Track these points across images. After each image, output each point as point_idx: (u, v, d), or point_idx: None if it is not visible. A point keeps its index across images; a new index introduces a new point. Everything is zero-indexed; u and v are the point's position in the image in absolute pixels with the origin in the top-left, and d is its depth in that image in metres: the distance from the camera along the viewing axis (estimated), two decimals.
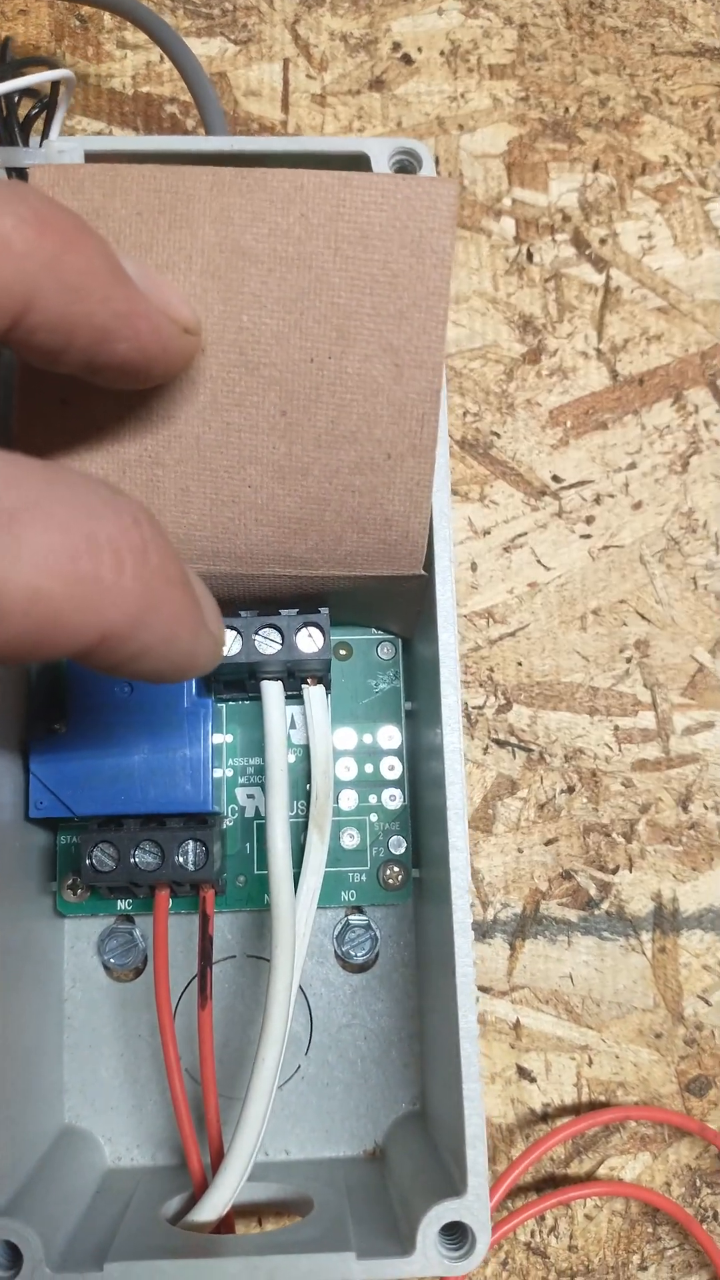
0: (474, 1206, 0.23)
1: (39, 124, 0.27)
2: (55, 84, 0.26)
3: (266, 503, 0.25)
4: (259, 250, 0.23)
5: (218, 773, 0.30)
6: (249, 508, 0.25)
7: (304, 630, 0.28)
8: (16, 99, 0.25)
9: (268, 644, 0.27)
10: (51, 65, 0.25)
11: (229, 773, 0.30)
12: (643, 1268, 0.30)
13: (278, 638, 0.28)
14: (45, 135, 0.26)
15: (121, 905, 0.29)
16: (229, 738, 0.30)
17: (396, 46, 0.36)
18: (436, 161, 0.35)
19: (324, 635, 0.28)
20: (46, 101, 0.26)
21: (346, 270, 0.23)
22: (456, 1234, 0.24)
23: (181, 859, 0.27)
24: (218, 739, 0.30)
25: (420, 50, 0.36)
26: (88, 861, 0.26)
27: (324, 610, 0.28)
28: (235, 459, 0.25)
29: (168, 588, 0.17)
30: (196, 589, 0.19)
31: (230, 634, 0.27)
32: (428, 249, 0.23)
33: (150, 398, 0.24)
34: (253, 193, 0.23)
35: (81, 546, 0.16)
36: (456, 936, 0.24)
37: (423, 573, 0.26)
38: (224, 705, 0.30)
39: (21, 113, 0.26)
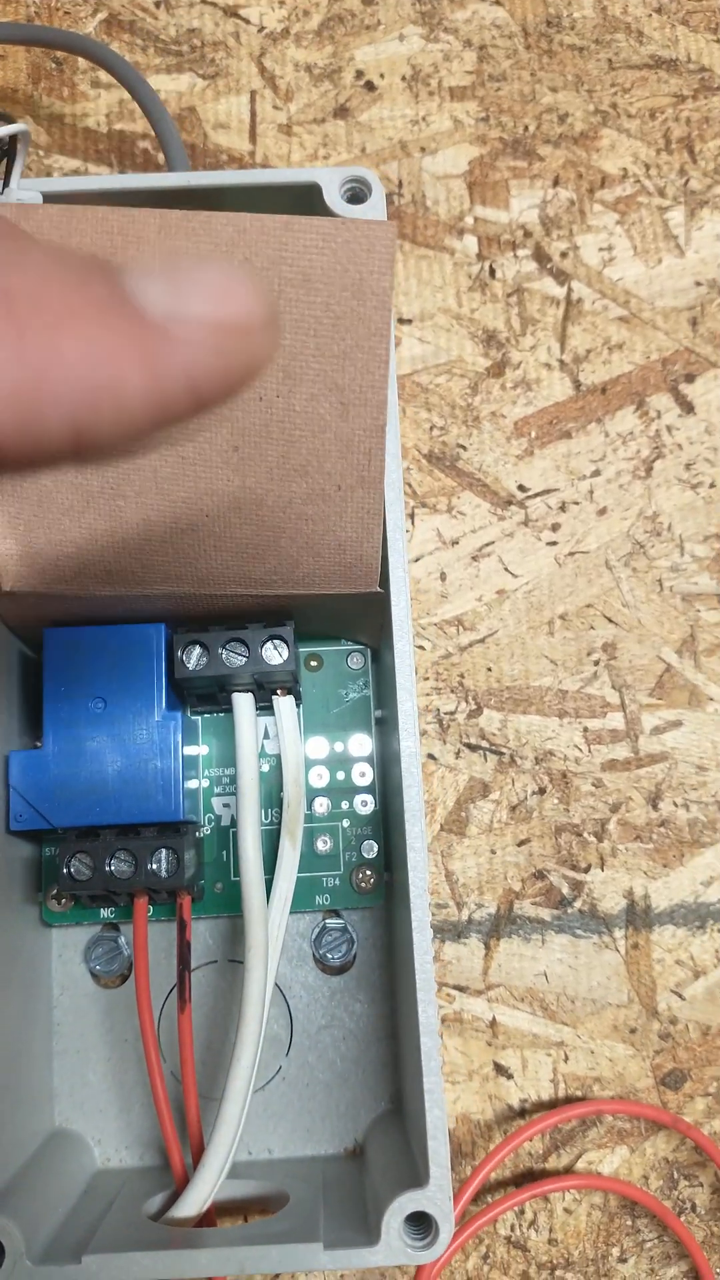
0: (436, 1197, 0.24)
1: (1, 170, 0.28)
2: (13, 137, 0.27)
3: (224, 531, 0.26)
4: None
5: (194, 783, 0.31)
6: (207, 535, 0.26)
7: (269, 643, 0.29)
8: None
9: (235, 657, 0.29)
10: (9, 120, 0.26)
11: (205, 783, 0.31)
12: (622, 1259, 0.31)
13: (244, 651, 0.29)
14: (6, 183, 0.27)
15: (105, 914, 0.31)
16: (204, 749, 0.31)
17: (360, 74, 0.37)
18: (398, 187, 0.36)
19: (289, 647, 0.28)
20: (7, 150, 0.27)
21: (290, 313, 0.24)
22: (421, 1224, 0.24)
23: (154, 866, 0.28)
24: (194, 750, 0.31)
25: (382, 76, 0.37)
26: (66, 871, 0.27)
27: (289, 623, 0.29)
28: (191, 491, 0.26)
29: (59, 329, 0.12)
30: (155, 289, 0.14)
31: (197, 648, 0.29)
32: (368, 291, 0.24)
33: None
34: (197, 235, 0.24)
35: None
36: (415, 932, 0.25)
37: (379, 590, 0.27)
38: (199, 718, 0.32)
39: None
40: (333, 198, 0.29)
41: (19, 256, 0.13)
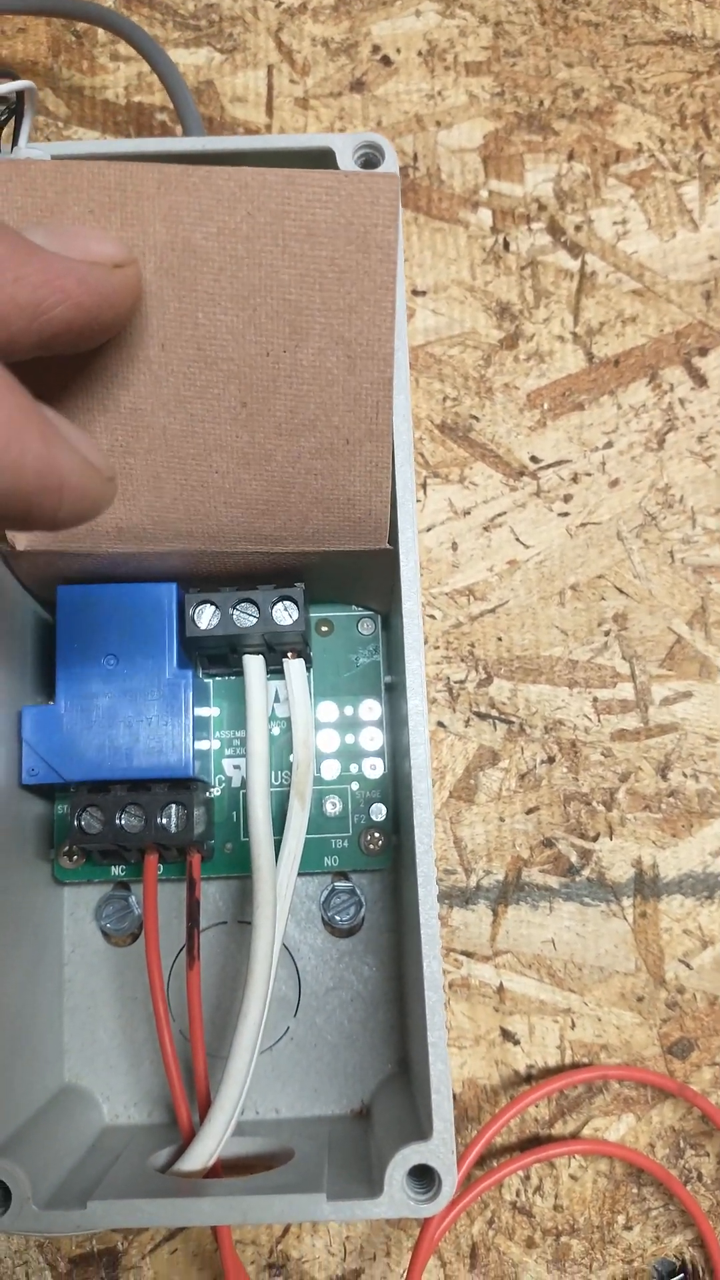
0: (439, 1150, 0.24)
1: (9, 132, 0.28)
2: (20, 94, 0.27)
3: (234, 487, 0.26)
4: (209, 249, 0.24)
5: (205, 744, 0.31)
6: (217, 491, 0.27)
7: (280, 604, 0.29)
8: None
9: (245, 617, 0.29)
10: (13, 77, 0.27)
11: (216, 744, 0.31)
12: (627, 1227, 0.31)
13: (254, 611, 0.29)
14: (15, 142, 0.28)
15: (116, 872, 0.31)
16: (216, 711, 0.32)
17: (376, 49, 0.37)
18: (413, 160, 0.37)
19: (299, 608, 0.29)
20: (15, 108, 0.27)
21: (295, 267, 0.24)
22: (425, 1178, 0.25)
23: (164, 821, 0.28)
24: (205, 712, 0.31)
25: (399, 51, 0.37)
26: (76, 824, 0.28)
27: (299, 585, 0.29)
28: (201, 447, 0.26)
29: None
30: (39, 235, 0.20)
31: (209, 608, 0.29)
32: (373, 244, 0.24)
33: (118, 391, 0.25)
34: (198, 191, 0.24)
35: None
36: (420, 887, 0.25)
37: (388, 547, 0.28)
38: (211, 681, 0.32)
39: None
40: (346, 163, 0.29)
41: None
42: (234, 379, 0.25)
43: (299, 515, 0.27)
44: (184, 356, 0.25)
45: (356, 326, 0.24)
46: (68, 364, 0.25)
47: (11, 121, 0.28)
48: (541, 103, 0.37)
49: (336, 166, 0.29)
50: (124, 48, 0.37)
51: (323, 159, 0.29)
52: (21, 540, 0.27)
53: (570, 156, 0.36)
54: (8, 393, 0.18)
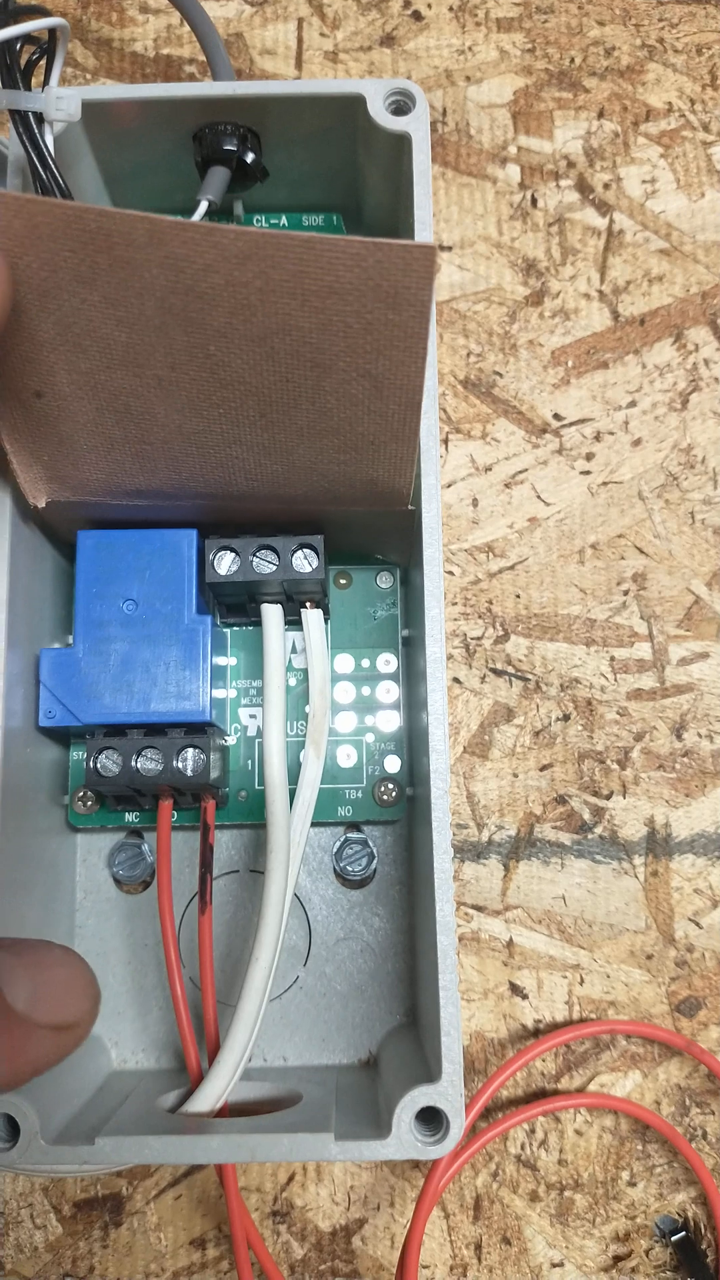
0: (448, 1092, 0.24)
1: (39, 72, 0.28)
2: (52, 32, 0.27)
3: (255, 469, 0.26)
4: (218, 296, 0.21)
5: (221, 693, 0.31)
6: (238, 470, 0.26)
7: (300, 552, 0.29)
8: (18, 46, 0.26)
9: (265, 564, 0.29)
10: (45, 14, 0.26)
11: (232, 693, 0.31)
12: (631, 1183, 0.31)
13: (274, 559, 0.29)
14: (45, 82, 0.27)
15: (129, 818, 0.31)
16: (233, 660, 0.32)
17: (407, 4, 0.37)
18: (442, 115, 0.36)
19: (319, 556, 0.29)
20: (46, 48, 0.27)
21: (316, 318, 0.22)
22: (432, 1121, 0.25)
23: (181, 765, 0.28)
24: (222, 661, 0.31)
25: (430, 7, 0.37)
26: (93, 765, 0.28)
27: (319, 534, 0.29)
28: (220, 441, 0.25)
29: None
30: (22, 991, 0.20)
31: (229, 554, 0.29)
32: (405, 303, 0.21)
33: (128, 399, 0.24)
34: (199, 246, 0.21)
35: None
36: (435, 833, 0.25)
37: (410, 508, 0.27)
38: (229, 630, 0.32)
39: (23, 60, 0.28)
40: (376, 109, 0.29)
41: None
42: (252, 395, 0.24)
43: (321, 488, 0.27)
44: (196, 377, 0.23)
45: (384, 365, 0.23)
46: (72, 377, 0.24)
47: (43, 62, 0.27)
48: (572, 60, 0.37)
49: (367, 111, 0.28)
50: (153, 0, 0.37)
51: (352, 105, 0.29)
52: (42, 497, 0.27)
53: (600, 114, 0.36)
54: None
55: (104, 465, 0.26)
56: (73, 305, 0.22)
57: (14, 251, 0.21)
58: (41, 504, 0.27)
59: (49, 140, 0.27)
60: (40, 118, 0.27)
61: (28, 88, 0.27)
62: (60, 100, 0.27)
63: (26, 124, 0.27)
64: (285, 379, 0.23)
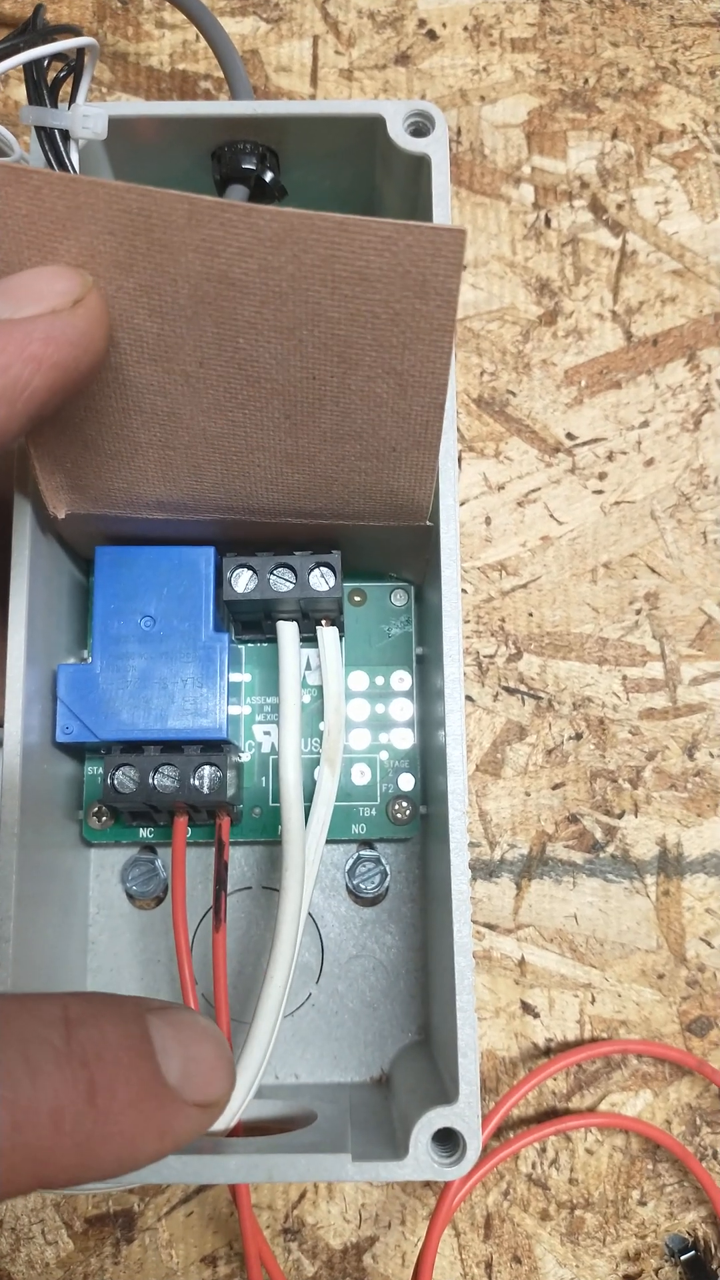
0: (465, 1114, 0.24)
1: (67, 89, 0.28)
2: (81, 51, 0.27)
3: (276, 478, 0.26)
4: (250, 283, 0.22)
5: (236, 709, 0.31)
6: (259, 481, 0.26)
7: (316, 570, 0.29)
8: (46, 63, 0.27)
9: (282, 582, 0.29)
10: (77, 33, 0.27)
11: (247, 710, 0.31)
12: (642, 1203, 0.31)
13: (291, 577, 0.29)
14: (73, 99, 0.27)
15: (144, 833, 0.31)
16: (248, 677, 0.32)
17: (422, 23, 0.37)
18: (457, 134, 0.36)
19: (335, 575, 0.29)
20: (74, 66, 0.27)
21: (345, 307, 0.22)
22: (449, 1141, 0.25)
23: (197, 782, 0.28)
24: (237, 678, 0.31)
25: (445, 26, 0.37)
26: (109, 782, 0.28)
27: (336, 552, 0.29)
28: (243, 447, 0.25)
29: (119, 1121, 0.17)
30: (175, 1065, 0.19)
31: (246, 572, 0.29)
32: (432, 291, 0.22)
33: (155, 398, 0.24)
34: (235, 228, 0.21)
35: (20, 1117, 0.16)
36: (453, 855, 0.25)
37: (429, 524, 0.28)
38: (244, 647, 0.32)
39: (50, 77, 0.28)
40: (396, 130, 0.29)
41: (99, 1041, 0.18)
42: (277, 395, 0.24)
43: (341, 500, 0.27)
44: (224, 374, 0.24)
45: (410, 361, 0.23)
46: (102, 374, 0.24)
47: (68, 79, 0.27)
48: (586, 81, 0.37)
49: (386, 132, 0.29)
50: (170, 14, 0.37)
51: (372, 125, 0.29)
52: (62, 508, 0.27)
53: (614, 135, 0.36)
54: (145, 1097, 0.18)
55: (126, 474, 0.26)
56: (109, 293, 0.22)
57: (54, 236, 0.21)
58: (61, 515, 0.27)
59: (74, 157, 0.27)
60: (66, 135, 0.27)
61: (55, 104, 0.27)
62: (87, 118, 0.27)
63: (52, 140, 0.27)
64: (311, 375, 0.23)
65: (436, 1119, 0.24)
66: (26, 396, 0.19)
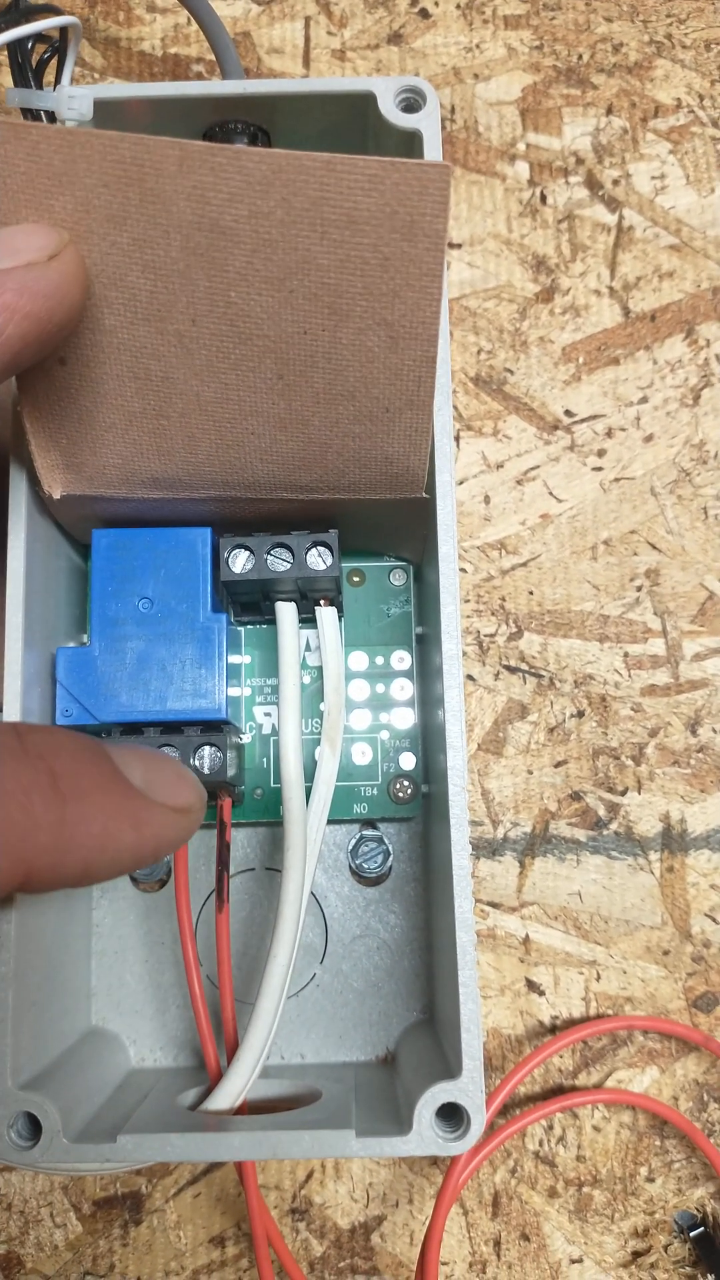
0: (469, 1088, 0.24)
1: (49, 70, 0.28)
2: (64, 31, 0.27)
3: (270, 446, 0.26)
4: (240, 231, 0.22)
5: (236, 691, 0.31)
6: (254, 451, 0.26)
7: (314, 549, 0.29)
8: (30, 45, 0.27)
9: (279, 562, 0.29)
10: (58, 13, 0.26)
11: (247, 691, 0.31)
12: (650, 1179, 0.31)
13: (288, 556, 0.29)
14: (58, 81, 0.27)
15: None
16: (247, 659, 0.32)
17: (414, 1, 0.37)
18: (450, 113, 0.36)
19: (333, 554, 0.29)
20: (58, 47, 0.27)
21: (335, 253, 0.22)
22: (453, 1117, 0.25)
23: (197, 763, 0.28)
24: (237, 660, 0.31)
25: (437, 4, 0.37)
26: None
27: (333, 531, 0.29)
28: (236, 412, 0.25)
29: (86, 803, 0.18)
30: (136, 772, 0.20)
31: (244, 553, 0.29)
32: (420, 233, 0.22)
33: (148, 361, 0.24)
34: (225, 171, 0.21)
35: None
36: (454, 830, 0.25)
37: (424, 495, 0.28)
38: (243, 629, 0.32)
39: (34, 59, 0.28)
40: (387, 106, 0.29)
41: (53, 743, 0.19)
42: (269, 354, 0.24)
43: (335, 470, 0.27)
44: (216, 331, 0.24)
45: (400, 310, 0.23)
46: (96, 337, 0.24)
47: (54, 61, 0.27)
48: (580, 57, 0.37)
49: (378, 109, 0.28)
50: None
51: (363, 102, 0.29)
52: (58, 487, 0.27)
53: (609, 111, 0.36)
54: (109, 787, 0.19)
55: (120, 447, 0.26)
56: (102, 250, 0.22)
57: (50, 192, 0.22)
58: (57, 495, 0.27)
59: None
60: (52, 116, 0.27)
61: (39, 86, 0.27)
62: (73, 99, 0.27)
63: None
64: (303, 330, 0.23)
65: (440, 1094, 0.24)
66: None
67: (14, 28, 0.25)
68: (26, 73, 0.26)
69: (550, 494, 0.34)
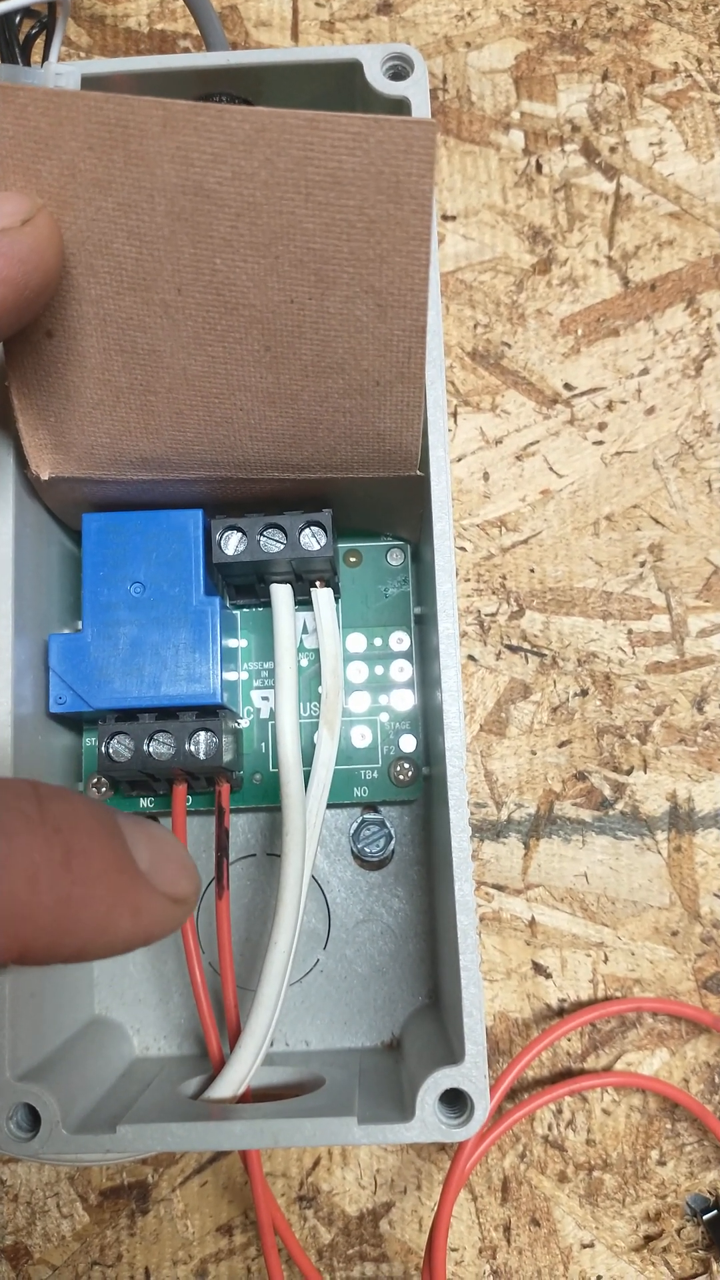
0: (472, 1074, 0.24)
1: (40, 46, 0.28)
2: (52, 6, 0.27)
3: (259, 422, 0.26)
4: (225, 194, 0.22)
5: (233, 675, 0.31)
6: (243, 427, 0.26)
7: (307, 529, 0.28)
8: (17, 20, 0.26)
9: (272, 543, 0.28)
10: None
11: (244, 675, 0.31)
12: (660, 1163, 0.31)
13: (281, 537, 0.28)
14: (45, 57, 0.27)
15: (144, 804, 0.31)
16: (244, 642, 0.31)
17: None
18: (443, 82, 0.36)
19: (327, 534, 0.28)
20: (46, 23, 0.27)
21: (320, 216, 0.22)
22: (457, 1103, 0.24)
23: (193, 748, 0.27)
24: (233, 644, 0.31)
25: None
26: (105, 750, 0.28)
27: (326, 510, 0.28)
28: (224, 387, 0.25)
29: (93, 886, 0.18)
30: (144, 855, 0.19)
31: (235, 534, 0.28)
32: (406, 194, 0.21)
33: (135, 333, 0.24)
34: (209, 131, 0.21)
35: None
36: (452, 811, 0.25)
37: (418, 473, 0.27)
38: (239, 612, 0.31)
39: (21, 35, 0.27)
40: (374, 74, 0.28)
41: (72, 815, 0.18)
42: (256, 324, 0.24)
43: (326, 448, 0.26)
44: (202, 301, 0.23)
45: (388, 276, 0.23)
46: (82, 308, 0.24)
47: (41, 37, 0.27)
48: (574, 22, 0.36)
49: (364, 77, 0.28)
50: None
51: (349, 71, 0.28)
52: (46, 468, 0.27)
53: (604, 77, 0.35)
54: (117, 871, 0.18)
55: (108, 425, 0.26)
56: (88, 216, 0.22)
57: (37, 156, 0.21)
58: (45, 475, 0.27)
59: None
60: None
61: (27, 63, 0.27)
62: (60, 76, 0.27)
63: None
64: (289, 299, 0.23)
65: (443, 1080, 0.24)
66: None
67: (2, 3, 0.24)
68: (14, 49, 0.26)
69: (551, 469, 0.33)
